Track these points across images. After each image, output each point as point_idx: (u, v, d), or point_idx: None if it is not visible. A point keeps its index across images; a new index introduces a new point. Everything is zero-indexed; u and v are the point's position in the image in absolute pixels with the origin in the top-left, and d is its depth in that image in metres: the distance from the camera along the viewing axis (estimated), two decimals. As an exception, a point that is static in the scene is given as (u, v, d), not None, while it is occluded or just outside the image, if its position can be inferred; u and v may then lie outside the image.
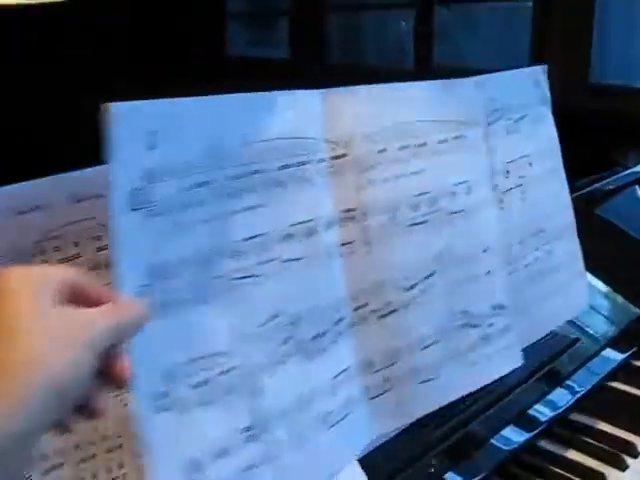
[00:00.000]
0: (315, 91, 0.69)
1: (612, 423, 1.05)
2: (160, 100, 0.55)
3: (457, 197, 0.80)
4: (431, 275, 0.77)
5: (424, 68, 1.16)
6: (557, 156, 1.00)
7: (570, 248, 1.01)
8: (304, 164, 0.67)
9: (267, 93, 0.64)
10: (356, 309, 0.72)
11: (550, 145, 0.99)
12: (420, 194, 0.76)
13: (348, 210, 0.71)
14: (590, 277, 1.11)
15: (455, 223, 0.79)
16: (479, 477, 0.90)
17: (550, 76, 0.98)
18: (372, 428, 0.73)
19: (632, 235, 1.39)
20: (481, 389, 0.84)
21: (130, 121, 0.54)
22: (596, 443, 1.01)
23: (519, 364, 0.86)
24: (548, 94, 0.98)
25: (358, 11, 1.58)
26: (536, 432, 1.00)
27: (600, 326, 1.20)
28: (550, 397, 1.05)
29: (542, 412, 1.03)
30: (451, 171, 0.79)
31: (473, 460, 0.92)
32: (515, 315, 0.87)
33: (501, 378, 0.86)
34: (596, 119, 1.55)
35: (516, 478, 0.95)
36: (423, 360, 0.77)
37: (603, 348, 1.17)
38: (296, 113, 0.66)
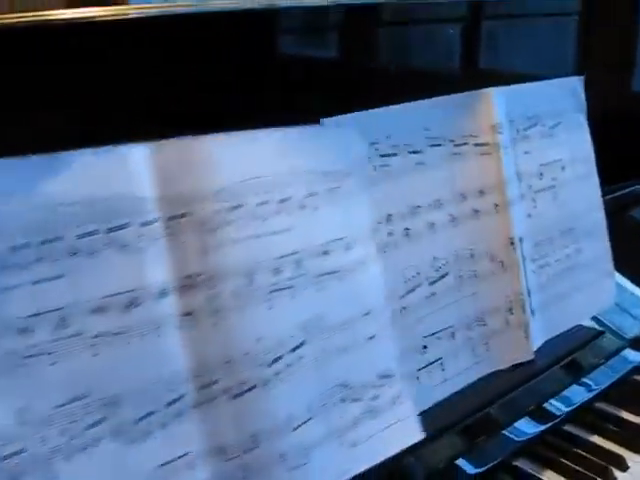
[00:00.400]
0: (141, 145, 0.62)
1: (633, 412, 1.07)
2: None
3: (331, 256, 0.71)
4: (299, 346, 0.68)
5: (472, 76, 1.13)
6: (590, 161, 1.08)
7: (599, 247, 1.09)
8: (121, 228, 0.60)
9: (67, 153, 0.57)
10: (201, 388, 0.64)
11: (584, 150, 1.08)
12: (284, 256, 0.68)
13: (190, 276, 0.64)
14: (619, 277, 1.17)
15: (327, 286, 0.70)
16: (492, 464, 0.89)
17: (593, 85, 1.05)
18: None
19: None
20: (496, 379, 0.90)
21: None
22: (616, 429, 1.03)
23: (418, 438, 0.76)
24: (584, 102, 1.05)
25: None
26: (549, 425, 0.98)
27: (625, 324, 1.19)
28: (566, 392, 1.03)
29: (557, 406, 1.01)
30: (323, 227, 0.71)
31: (485, 449, 0.90)
32: (541, 308, 0.97)
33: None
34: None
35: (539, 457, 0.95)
36: (292, 443, 0.68)
37: (625, 346, 1.15)
38: (109, 172, 0.60)
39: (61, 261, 0.57)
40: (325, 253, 0.71)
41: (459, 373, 0.89)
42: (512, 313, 0.94)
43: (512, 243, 0.94)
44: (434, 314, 0.86)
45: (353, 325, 0.72)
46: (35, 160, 0.56)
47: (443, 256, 0.87)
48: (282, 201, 0.68)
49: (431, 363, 0.86)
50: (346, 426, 0.71)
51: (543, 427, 0.97)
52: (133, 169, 0.61)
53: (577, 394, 1.04)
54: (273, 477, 0.66)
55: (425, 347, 0.85)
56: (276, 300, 0.67)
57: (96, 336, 0.58)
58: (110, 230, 0.59)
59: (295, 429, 0.68)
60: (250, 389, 0.66)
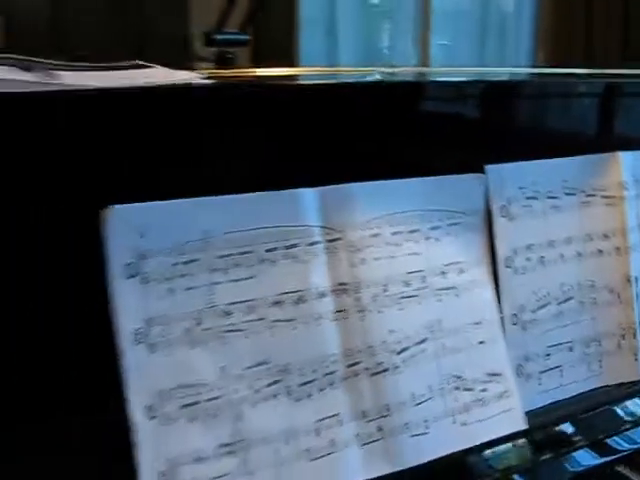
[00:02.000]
0: (311, 189, 0.87)
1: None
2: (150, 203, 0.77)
3: (448, 276, 0.93)
4: (422, 342, 0.91)
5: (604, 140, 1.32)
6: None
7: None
8: (295, 246, 0.85)
9: (261, 193, 0.83)
10: (349, 365, 0.87)
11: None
12: (411, 272, 0.91)
13: (342, 283, 0.88)
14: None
15: (445, 298, 0.92)
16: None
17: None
18: (363, 470, 0.87)
19: None
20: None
21: (122, 218, 0.75)
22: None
23: (522, 427, 0.95)
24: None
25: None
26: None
27: None
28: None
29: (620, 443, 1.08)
30: (442, 254, 0.93)
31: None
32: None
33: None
34: None
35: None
36: (414, 416, 0.89)
37: None
38: (288, 207, 0.85)
39: (252, 267, 0.82)
40: (443, 273, 0.93)
41: (574, 382, 1.06)
42: (624, 339, 1.11)
43: (629, 280, 1.12)
44: (558, 329, 1.05)
45: (465, 331, 0.94)
46: (241, 198, 0.82)
47: (569, 283, 1.07)
48: (411, 232, 0.92)
49: (552, 369, 1.04)
50: (458, 409, 0.92)
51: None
52: (306, 206, 0.86)
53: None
54: (399, 440, 0.88)
55: (548, 355, 1.04)
56: (405, 304, 0.90)
57: (274, 321, 0.83)
58: (287, 247, 0.84)
59: (417, 405, 0.89)
60: (384, 370, 0.88)
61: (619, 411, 1.09)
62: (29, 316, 0.75)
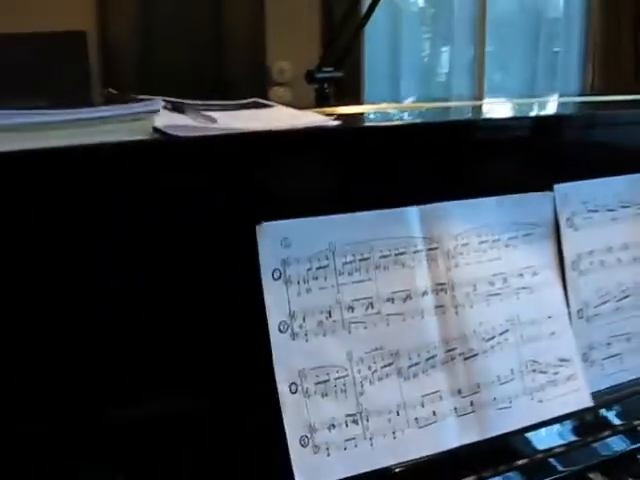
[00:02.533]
0: (415, 207, 1.06)
1: None
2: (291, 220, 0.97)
3: (524, 277, 1.12)
4: (504, 332, 1.09)
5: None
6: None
7: None
8: (402, 254, 1.04)
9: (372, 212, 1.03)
10: (447, 351, 1.06)
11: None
12: (495, 274, 1.10)
13: (440, 284, 1.07)
14: None
15: (522, 296, 1.12)
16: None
17: None
18: (459, 437, 1.06)
19: None
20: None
21: (270, 232, 0.96)
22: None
23: (588, 405, 1.14)
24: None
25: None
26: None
27: None
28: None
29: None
30: (519, 259, 1.12)
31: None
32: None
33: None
34: None
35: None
36: (500, 393, 1.08)
37: None
38: (397, 222, 1.04)
39: (369, 271, 1.02)
40: (520, 275, 1.12)
41: (633, 367, 1.24)
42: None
43: None
44: (617, 322, 1.23)
45: (539, 323, 1.13)
46: (360, 215, 1.02)
47: (626, 283, 1.25)
48: (494, 241, 1.11)
49: (613, 356, 1.22)
50: (535, 388, 1.11)
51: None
52: (411, 220, 1.06)
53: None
54: (488, 412, 1.07)
55: (609, 344, 1.22)
56: (490, 301, 1.09)
57: (387, 315, 1.02)
58: (396, 254, 1.04)
59: (502, 384, 1.09)
60: (475, 355, 1.07)
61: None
62: (207, 309, 0.96)
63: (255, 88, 1.97)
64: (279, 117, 1.08)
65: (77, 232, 0.89)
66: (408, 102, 2.00)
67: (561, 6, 4.21)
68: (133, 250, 0.92)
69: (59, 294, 0.88)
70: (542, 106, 1.62)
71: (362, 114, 1.31)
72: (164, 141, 0.94)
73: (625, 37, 3.28)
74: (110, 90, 1.45)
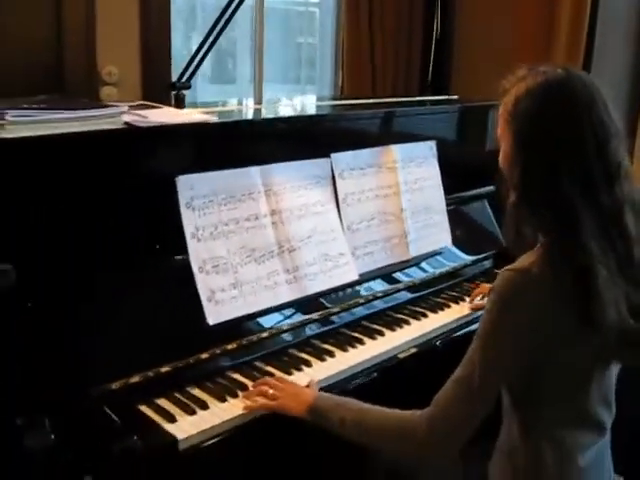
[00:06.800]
0: (257, 167, 1.83)
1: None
2: (197, 174, 1.70)
3: (317, 207, 1.94)
4: (309, 237, 1.90)
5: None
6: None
7: (442, 218, 2.35)
8: (251, 193, 1.81)
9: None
10: (279, 248, 1.85)
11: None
12: (302, 205, 1.91)
13: (273, 210, 1.85)
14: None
15: (316, 218, 1.94)
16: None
17: None
18: (288, 295, 1.85)
19: (475, 219, 2.58)
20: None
21: (183, 181, 1.68)
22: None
23: (355, 279, 1.98)
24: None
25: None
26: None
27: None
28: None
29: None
30: (314, 195, 1.94)
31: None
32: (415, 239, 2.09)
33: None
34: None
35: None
36: (309, 271, 1.89)
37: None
38: (249, 176, 1.81)
39: (235, 203, 1.78)
40: (314, 205, 1.94)
41: (380, 260, 2.10)
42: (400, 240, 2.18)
43: (402, 210, 2.20)
44: (369, 234, 2.09)
45: (327, 233, 1.97)
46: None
47: (373, 211, 2.11)
48: (300, 186, 1.91)
49: (368, 254, 2.09)
50: (327, 268, 1.94)
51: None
52: (255, 174, 1.82)
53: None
54: (303, 282, 1.87)
55: (365, 246, 2.07)
56: (301, 219, 1.89)
57: (247, 228, 1.78)
58: (249, 194, 1.80)
59: (310, 265, 1.89)
60: (295, 250, 1.87)
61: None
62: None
63: (89, 88, 2.51)
64: (176, 114, 1.79)
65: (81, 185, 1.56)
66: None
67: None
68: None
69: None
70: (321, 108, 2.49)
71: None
72: (134, 128, 1.63)
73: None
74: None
